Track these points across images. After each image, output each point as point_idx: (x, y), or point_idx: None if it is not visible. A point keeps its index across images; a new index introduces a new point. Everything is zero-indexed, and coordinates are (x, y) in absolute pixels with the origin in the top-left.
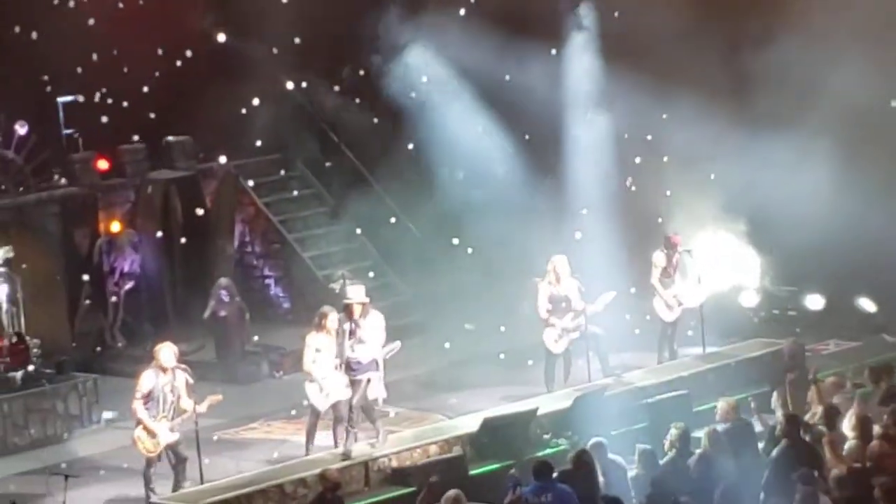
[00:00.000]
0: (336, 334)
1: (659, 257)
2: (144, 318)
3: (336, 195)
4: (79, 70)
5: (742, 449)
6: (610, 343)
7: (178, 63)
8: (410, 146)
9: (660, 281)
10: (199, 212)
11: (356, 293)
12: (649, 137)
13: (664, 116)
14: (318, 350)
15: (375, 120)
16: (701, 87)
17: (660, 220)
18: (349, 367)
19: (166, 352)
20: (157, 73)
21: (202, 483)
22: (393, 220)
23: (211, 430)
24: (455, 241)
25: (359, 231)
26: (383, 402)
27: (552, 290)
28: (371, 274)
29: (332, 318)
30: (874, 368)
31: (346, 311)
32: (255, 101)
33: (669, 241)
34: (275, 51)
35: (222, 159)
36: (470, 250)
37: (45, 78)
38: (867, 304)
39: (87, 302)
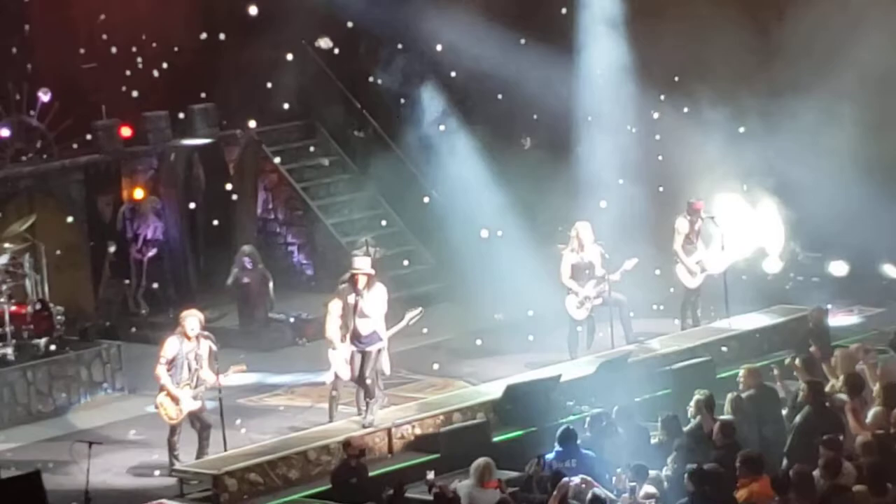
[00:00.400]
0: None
1: (682, 223)
2: (167, 285)
3: (359, 162)
4: (104, 37)
5: (765, 415)
6: (633, 310)
7: (202, 30)
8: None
9: (682, 247)
10: (228, 187)
11: (362, 263)
12: (686, 110)
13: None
14: (341, 317)
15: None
16: (728, 55)
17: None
18: (354, 339)
19: (192, 320)
20: (180, 41)
21: (225, 450)
22: (426, 199)
23: (235, 398)
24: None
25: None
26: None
27: (575, 257)
28: (394, 242)
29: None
30: None
31: (351, 281)
32: (278, 68)
33: (692, 207)
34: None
35: (252, 123)
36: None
37: (69, 45)
38: (891, 271)
39: (111, 264)
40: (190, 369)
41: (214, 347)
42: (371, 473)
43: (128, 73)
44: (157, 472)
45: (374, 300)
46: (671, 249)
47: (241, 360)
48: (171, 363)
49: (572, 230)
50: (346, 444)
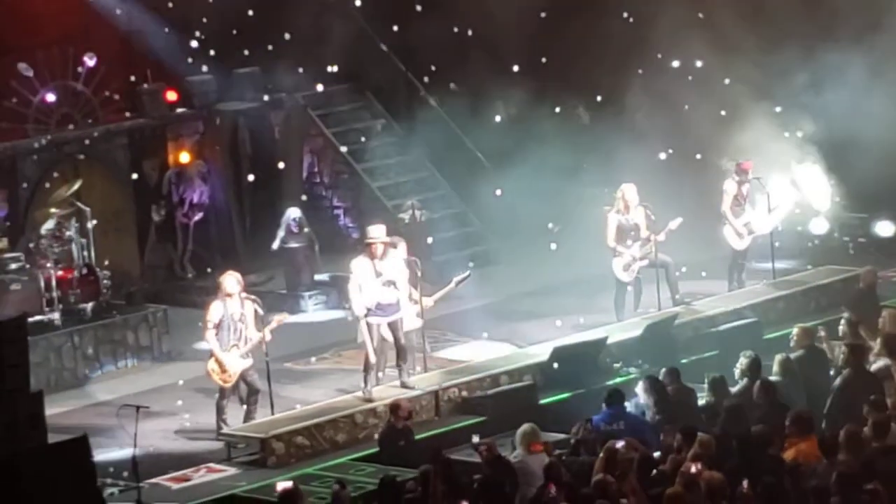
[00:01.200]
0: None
1: (730, 185)
2: (213, 249)
3: (405, 125)
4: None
5: (813, 377)
6: (679, 271)
7: None
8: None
9: (731, 209)
10: (281, 166)
11: (377, 232)
12: (727, 81)
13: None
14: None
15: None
16: (774, 12)
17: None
18: (378, 308)
19: (229, 279)
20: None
21: (273, 413)
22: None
23: (282, 361)
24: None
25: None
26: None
27: (621, 219)
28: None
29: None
30: None
31: (368, 250)
32: (324, 30)
33: (740, 168)
34: None
35: (319, 87)
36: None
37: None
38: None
39: (157, 228)
40: (237, 330)
41: (260, 310)
42: (418, 437)
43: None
44: (204, 435)
45: (393, 267)
46: (719, 212)
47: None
48: (218, 326)
49: (617, 192)
50: (394, 406)
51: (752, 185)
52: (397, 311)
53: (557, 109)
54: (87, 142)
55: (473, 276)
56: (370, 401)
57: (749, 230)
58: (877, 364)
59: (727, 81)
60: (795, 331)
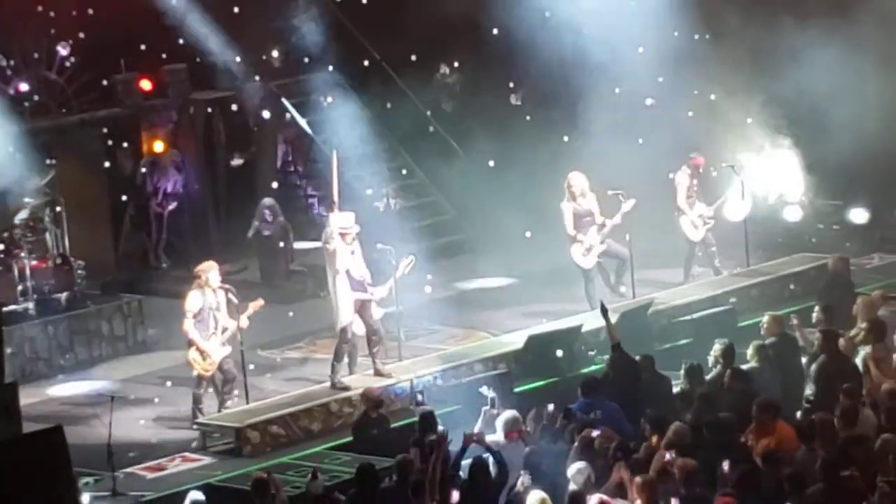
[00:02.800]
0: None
1: (682, 178)
2: (188, 238)
3: (379, 114)
4: None
5: (786, 364)
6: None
7: None
8: (455, 64)
9: (686, 201)
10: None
11: (347, 221)
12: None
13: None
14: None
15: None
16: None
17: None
18: (358, 285)
19: (214, 272)
20: None
21: (247, 403)
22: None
23: (256, 350)
24: (491, 163)
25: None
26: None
27: (575, 207)
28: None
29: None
30: None
31: (342, 240)
32: (297, 19)
33: (693, 163)
34: None
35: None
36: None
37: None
38: (859, 216)
39: (131, 218)
40: (215, 320)
41: (234, 299)
42: (393, 425)
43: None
44: (179, 424)
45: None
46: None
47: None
48: (197, 316)
49: (565, 181)
50: (364, 395)
51: (700, 177)
52: (365, 290)
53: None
54: (61, 131)
55: (449, 264)
56: (346, 388)
57: (703, 221)
58: (864, 349)
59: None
60: (766, 319)
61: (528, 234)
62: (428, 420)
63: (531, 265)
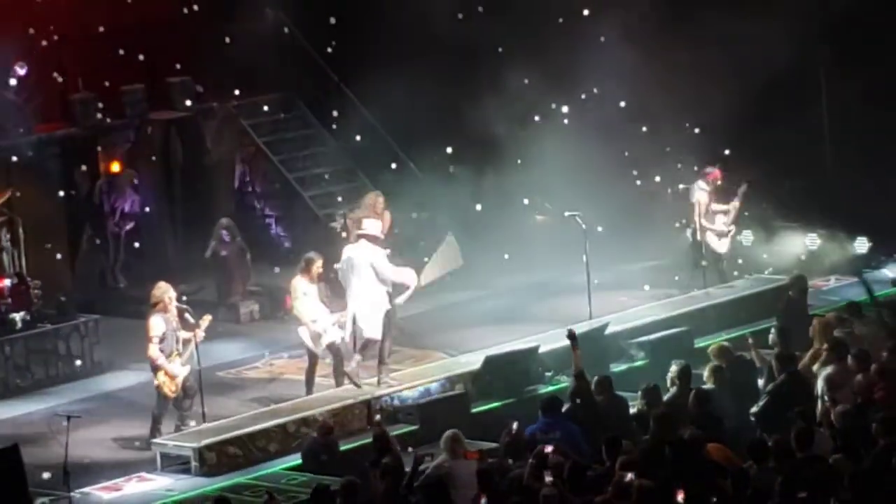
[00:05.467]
0: (318, 279)
1: (701, 195)
2: (145, 258)
3: (337, 135)
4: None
5: (743, 385)
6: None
7: (181, 4)
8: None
9: (704, 217)
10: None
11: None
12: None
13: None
14: (305, 293)
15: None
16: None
17: None
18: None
19: (172, 292)
20: (157, 14)
21: (204, 422)
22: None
23: (214, 371)
24: (451, 168)
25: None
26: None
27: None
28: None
29: (319, 264)
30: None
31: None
32: (255, 40)
33: (709, 178)
34: None
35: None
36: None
37: (44, 19)
38: (861, 245)
39: (88, 238)
40: (177, 340)
41: (192, 319)
42: (349, 446)
43: (104, 46)
44: (136, 444)
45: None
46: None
47: (219, 329)
48: (162, 341)
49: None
50: (314, 423)
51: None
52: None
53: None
54: (18, 151)
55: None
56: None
57: (727, 231)
58: (826, 370)
59: None
60: (711, 349)
61: (506, 256)
62: (381, 441)
63: (491, 285)
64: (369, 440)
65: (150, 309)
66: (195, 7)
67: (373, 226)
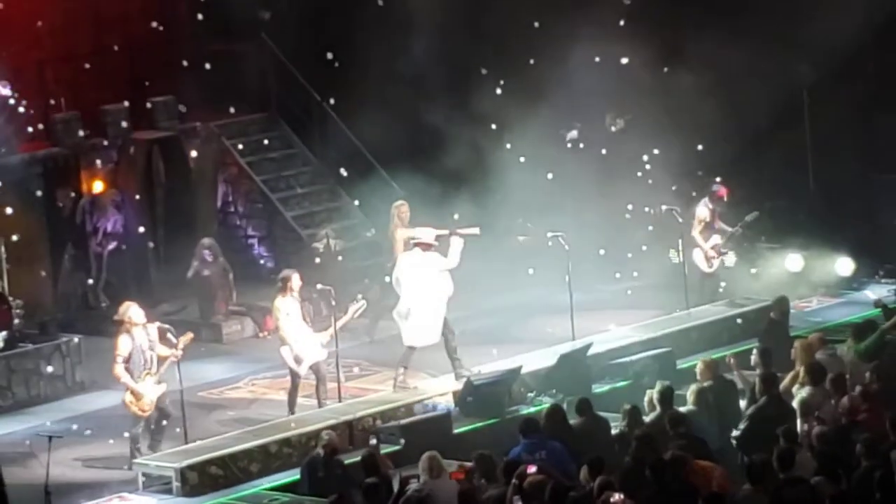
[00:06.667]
0: (300, 296)
1: (703, 211)
2: (128, 278)
3: (319, 154)
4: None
5: (724, 406)
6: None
7: (160, 23)
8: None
9: (700, 234)
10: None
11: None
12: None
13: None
14: (288, 314)
15: None
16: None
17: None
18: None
19: (134, 308)
20: (138, 34)
21: (186, 443)
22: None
23: (196, 391)
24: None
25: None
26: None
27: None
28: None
29: (295, 278)
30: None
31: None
32: (238, 60)
33: (716, 196)
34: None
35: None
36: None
37: (27, 37)
38: (844, 266)
39: (70, 258)
40: (146, 358)
41: (174, 339)
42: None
43: (87, 66)
44: (118, 464)
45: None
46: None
47: (202, 350)
48: (128, 360)
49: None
50: (326, 440)
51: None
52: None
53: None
54: (0, 171)
55: (388, 305)
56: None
57: (717, 252)
58: (802, 393)
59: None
60: (699, 365)
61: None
62: (370, 463)
63: (473, 305)
64: (354, 459)
65: (118, 327)
66: (178, 27)
67: (425, 234)
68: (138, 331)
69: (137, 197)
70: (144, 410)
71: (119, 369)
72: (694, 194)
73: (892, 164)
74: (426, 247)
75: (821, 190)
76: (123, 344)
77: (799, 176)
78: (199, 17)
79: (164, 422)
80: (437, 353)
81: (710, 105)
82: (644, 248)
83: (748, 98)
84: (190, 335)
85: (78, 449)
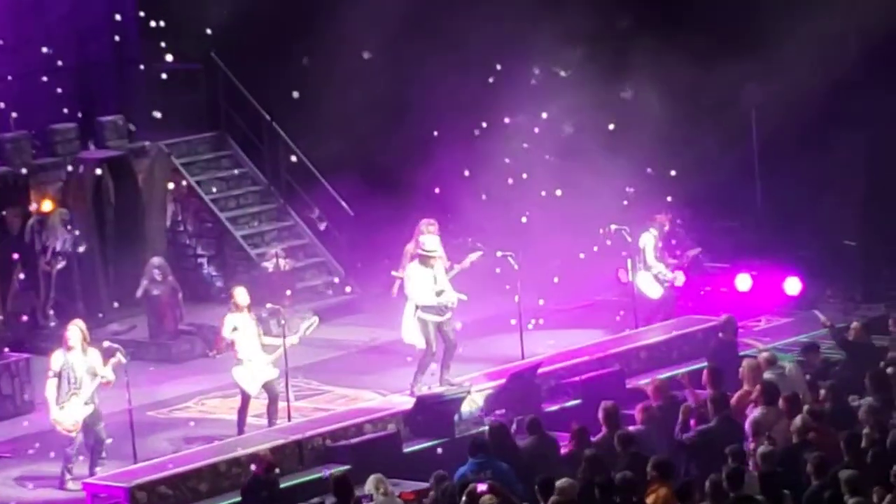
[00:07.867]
0: (248, 310)
1: (648, 238)
2: (77, 297)
3: (269, 174)
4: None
5: (674, 425)
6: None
7: (110, 43)
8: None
9: (648, 262)
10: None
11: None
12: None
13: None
14: (235, 328)
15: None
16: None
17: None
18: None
19: (73, 329)
20: (88, 53)
21: (135, 462)
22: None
23: (145, 410)
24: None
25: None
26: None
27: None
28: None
29: (239, 291)
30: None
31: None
32: (187, 80)
33: (657, 222)
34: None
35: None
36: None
37: None
38: (792, 286)
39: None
40: (76, 379)
41: (123, 360)
42: (282, 485)
43: (36, 85)
44: (65, 485)
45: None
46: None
47: (150, 368)
48: (59, 376)
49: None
50: (256, 457)
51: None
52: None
53: None
54: None
55: (340, 323)
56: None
57: (663, 279)
58: (754, 413)
59: None
60: (649, 386)
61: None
62: (342, 485)
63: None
64: (303, 479)
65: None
66: (128, 46)
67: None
68: (73, 352)
69: (87, 216)
70: (69, 430)
71: (49, 384)
72: (613, 227)
73: (842, 184)
74: (426, 259)
75: (770, 210)
76: (55, 360)
77: (748, 196)
78: (149, 36)
79: (100, 447)
80: (385, 373)
81: (656, 124)
82: (593, 266)
83: (696, 117)
84: (120, 358)
85: (26, 468)
